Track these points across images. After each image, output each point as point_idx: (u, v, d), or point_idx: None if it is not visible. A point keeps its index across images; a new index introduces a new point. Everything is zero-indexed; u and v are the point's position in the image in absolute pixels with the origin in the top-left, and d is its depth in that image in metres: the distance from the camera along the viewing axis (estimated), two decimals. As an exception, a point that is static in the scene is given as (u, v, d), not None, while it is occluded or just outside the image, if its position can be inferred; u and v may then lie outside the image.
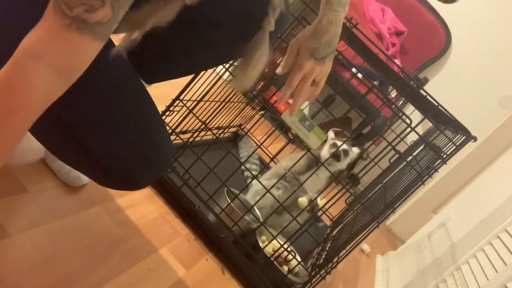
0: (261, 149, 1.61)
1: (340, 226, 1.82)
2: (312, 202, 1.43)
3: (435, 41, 3.23)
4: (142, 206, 1.17)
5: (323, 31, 0.93)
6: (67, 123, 0.74)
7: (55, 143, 0.80)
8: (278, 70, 0.98)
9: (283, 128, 2.91)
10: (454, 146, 1.14)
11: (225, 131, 1.90)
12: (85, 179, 1.05)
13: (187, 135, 1.39)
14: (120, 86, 0.77)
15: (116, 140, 0.77)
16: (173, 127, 1.40)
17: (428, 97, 1.27)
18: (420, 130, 1.75)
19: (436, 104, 1.17)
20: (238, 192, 1.32)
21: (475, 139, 1.10)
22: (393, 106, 1.27)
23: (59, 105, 0.61)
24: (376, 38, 3.03)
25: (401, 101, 2.89)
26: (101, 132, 0.75)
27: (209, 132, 1.37)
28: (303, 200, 1.46)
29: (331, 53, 0.96)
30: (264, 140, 1.36)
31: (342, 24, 0.96)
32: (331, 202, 1.27)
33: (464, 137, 1.12)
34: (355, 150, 1.62)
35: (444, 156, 1.15)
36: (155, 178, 0.86)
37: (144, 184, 0.84)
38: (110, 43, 0.65)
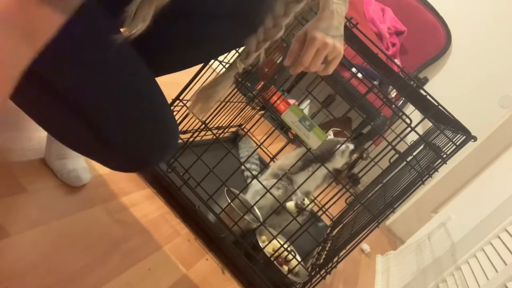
0: (261, 149, 1.61)
1: (340, 226, 1.82)
2: (298, 205, 1.43)
3: (435, 41, 3.23)
4: (142, 206, 1.17)
5: (328, 18, 0.93)
6: (74, 102, 0.73)
7: (62, 126, 0.80)
8: (286, 61, 0.97)
9: (283, 128, 2.91)
10: (454, 146, 1.14)
11: (225, 131, 1.90)
12: (85, 179, 1.05)
13: (187, 135, 1.39)
14: (127, 63, 0.77)
15: (124, 117, 0.76)
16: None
17: (428, 97, 1.28)
18: (420, 130, 1.75)
19: (436, 104, 1.17)
20: (238, 192, 1.32)
21: (475, 139, 1.10)
22: (393, 106, 1.27)
23: (66, 84, 0.61)
24: (376, 38, 3.03)
25: (401, 101, 2.89)
26: (109, 109, 0.74)
27: (209, 132, 1.37)
28: (290, 205, 1.46)
29: (340, 37, 0.96)
30: (264, 140, 1.36)
31: (344, 17, 0.96)
32: (331, 202, 1.27)
33: (464, 137, 1.12)
34: (350, 146, 1.62)
35: (444, 156, 1.15)
36: (163, 156, 0.85)
37: (153, 161, 0.83)
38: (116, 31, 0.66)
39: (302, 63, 0.93)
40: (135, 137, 0.78)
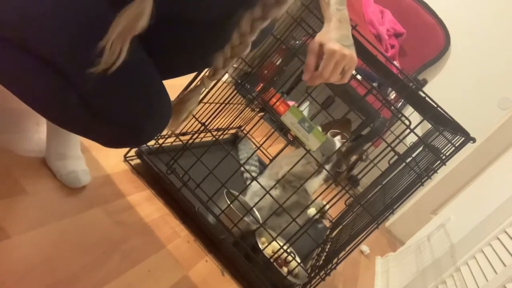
0: (261, 150, 1.61)
1: (339, 228, 1.82)
2: (322, 208, 1.43)
3: (434, 43, 3.23)
4: (142, 207, 1.17)
5: (338, 28, 0.95)
6: (63, 73, 0.75)
7: (50, 99, 0.81)
8: (304, 76, 0.98)
9: (283, 129, 2.91)
10: (453, 148, 1.14)
11: (225, 132, 1.90)
12: (84, 180, 1.05)
13: (187, 137, 1.39)
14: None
15: (115, 86, 0.77)
16: (172, 129, 1.40)
17: (427, 98, 1.28)
18: (419, 131, 1.75)
19: (435, 106, 1.17)
20: (237, 193, 1.32)
21: (474, 140, 1.10)
22: (392, 107, 1.28)
23: (56, 53, 0.61)
24: (375, 39, 3.03)
25: (400, 103, 2.90)
26: (105, 85, 0.75)
27: (208, 134, 1.38)
28: (311, 212, 1.47)
29: (352, 45, 0.97)
30: (264, 142, 1.36)
31: (349, 22, 0.97)
32: (330, 204, 1.28)
33: (463, 138, 1.13)
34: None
35: (443, 157, 1.16)
36: (155, 129, 0.86)
37: (145, 133, 0.84)
38: None
39: (323, 76, 0.95)
40: (127, 107, 0.79)
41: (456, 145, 1.11)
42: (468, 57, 3.21)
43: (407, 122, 1.21)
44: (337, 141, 1.79)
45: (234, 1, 0.84)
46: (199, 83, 0.90)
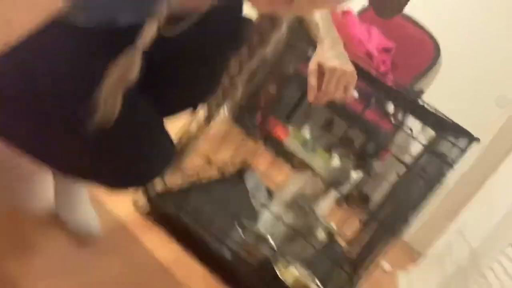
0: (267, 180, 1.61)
1: (356, 246, 1.80)
2: (330, 233, 1.42)
3: (424, 53, 3.27)
4: (157, 250, 1.16)
5: (332, 47, 0.97)
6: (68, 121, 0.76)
7: (59, 152, 0.81)
8: (309, 98, 1.00)
9: (287, 156, 2.91)
10: (459, 151, 1.14)
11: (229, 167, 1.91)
12: (95, 229, 1.05)
13: (193, 176, 1.40)
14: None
15: (121, 136, 0.78)
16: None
17: (425, 106, 1.29)
18: (423, 141, 1.76)
19: (434, 111, 1.18)
20: (249, 222, 1.32)
21: (478, 140, 1.10)
22: (392, 119, 1.28)
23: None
24: (366, 58, 3.07)
25: (399, 115, 2.90)
26: (105, 132, 0.74)
27: (213, 168, 1.38)
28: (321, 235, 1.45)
29: (349, 62, 1.00)
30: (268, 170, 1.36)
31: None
32: (343, 223, 1.27)
33: (467, 140, 1.13)
34: (355, 175, 1.59)
35: (450, 161, 1.16)
36: (162, 169, 0.87)
37: (151, 174, 0.86)
38: None
39: (327, 94, 0.97)
40: (129, 150, 0.80)
41: (461, 147, 1.11)
42: (459, 62, 3.24)
43: (409, 131, 1.22)
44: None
45: (222, 43, 0.86)
46: (196, 128, 0.91)
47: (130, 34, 0.72)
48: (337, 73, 0.95)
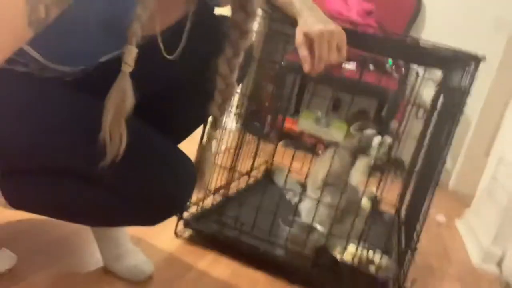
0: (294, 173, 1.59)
1: (403, 207, 1.76)
2: (375, 198, 1.39)
3: (405, 4, 3.25)
4: (211, 270, 1.16)
5: (311, 15, 0.98)
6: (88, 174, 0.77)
7: (83, 203, 0.83)
8: (305, 68, 0.98)
9: (306, 148, 2.89)
10: (470, 76, 1.11)
11: (254, 173, 1.90)
12: (148, 269, 1.04)
13: (224, 191, 1.39)
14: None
15: (138, 169, 0.79)
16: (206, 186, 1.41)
17: (423, 46, 1.25)
18: (433, 83, 1.72)
19: (432, 48, 1.15)
20: (293, 218, 1.30)
21: (484, 59, 1.07)
22: (396, 74, 1.26)
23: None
24: (351, 27, 3.05)
25: (402, 69, 2.86)
26: (121, 169, 0.75)
27: (241, 181, 1.37)
28: (364, 203, 1.43)
29: (332, 22, 0.99)
30: (291, 164, 1.35)
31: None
32: (382, 188, 1.23)
33: (474, 63, 1.10)
34: (388, 139, 1.54)
35: (465, 90, 1.12)
36: (188, 190, 0.87)
37: (180, 198, 0.85)
38: None
39: (322, 59, 0.96)
40: (152, 181, 0.80)
41: (471, 72, 1.08)
42: (441, 5, 3.22)
43: (415, 77, 1.19)
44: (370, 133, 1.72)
45: (207, 53, 0.87)
46: (207, 139, 0.91)
47: (111, 65, 0.73)
48: (325, 35, 0.93)
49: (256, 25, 0.88)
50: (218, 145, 1.37)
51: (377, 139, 1.46)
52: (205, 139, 0.91)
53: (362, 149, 1.40)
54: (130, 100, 0.69)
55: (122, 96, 0.68)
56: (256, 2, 0.84)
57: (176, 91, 0.95)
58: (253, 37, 0.90)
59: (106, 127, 0.68)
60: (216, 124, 0.90)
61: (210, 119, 0.91)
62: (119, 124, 0.69)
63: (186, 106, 0.97)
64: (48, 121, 0.76)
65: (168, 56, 0.83)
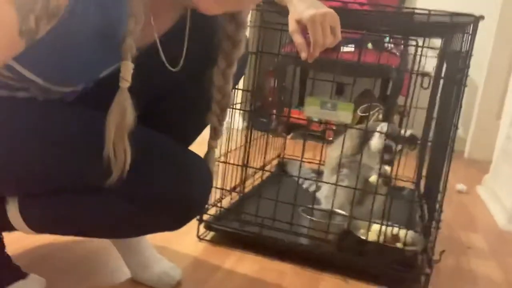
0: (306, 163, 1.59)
1: (421, 180, 1.75)
2: (387, 177, 1.38)
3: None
4: (239, 268, 1.16)
5: (302, 1, 0.96)
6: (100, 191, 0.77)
7: (107, 217, 0.83)
8: (303, 56, 0.98)
9: (316, 137, 2.88)
10: (470, 37, 1.10)
11: (267, 167, 1.90)
12: (177, 275, 1.05)
13: (239, 189, 1.39)
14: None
15: (153, 175, 0.79)
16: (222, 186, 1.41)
17: (419, 14, 1.23)
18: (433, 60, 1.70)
19: (428, 14, 1.13)
20: (311, 206, 1.30)
21: (482, 18, 1.06)
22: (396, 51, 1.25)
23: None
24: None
25: (401, 45, 2.83)
26: (135, 177, 0.75)
27: (256, 177, 1.37)
28: (373, 179, 1.41)
29: (324, 6, 0.99)
30: (303, 154, 1.34)
31: None
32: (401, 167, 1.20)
33: (473, 22, 1.08)
34: (384, 128, 1.50)
35: (466, 53, 1.11)
36: (207, 189, 0.87)
37: (200, 198, 0.84)
38: None
39: (318, 43, 0.95)
40: (168, 184, 0.80)
41: (470, 32, 1.07)
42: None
43: (414, 50, 1.18)
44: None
45: (200, 65, 0.86)
46: (208, 149, 0.91)
47: (111, 78, 0.73)
48: (317, 19, 0.93)
49: (249, 18, 0.87)
50: (227, 146, 1.38)
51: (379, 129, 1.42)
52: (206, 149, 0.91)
53: (371, 128, 1.39)
54: (131, 115, 0.69)
55: (123, 111, 0.68)
56: (245, 11, 0.84)
57: (177, 97, 0.95)
58: (247, 39, 0.90)
59: (109, 144, 0.69)
60: (215, 134, 0.91)
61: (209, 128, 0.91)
62: (122, 139, 0.69)
63: (188, 111, 0.97)
64: (55, 142, 0.77)
65: (172, 69, 0.83)
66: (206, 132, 0.95)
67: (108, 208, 0.82)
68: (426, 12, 1.13)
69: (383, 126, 1.41)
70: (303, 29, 0.96)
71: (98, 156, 0.70)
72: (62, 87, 0.77)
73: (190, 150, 0.88)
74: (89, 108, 0.78)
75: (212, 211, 1.34)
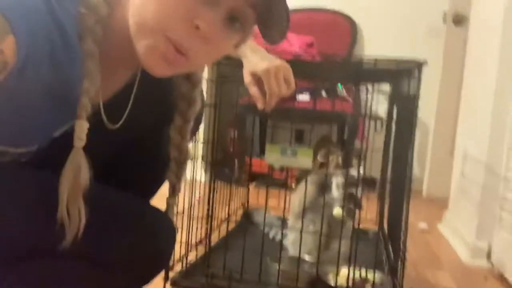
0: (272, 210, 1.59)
1: (384, 220, 1.78)
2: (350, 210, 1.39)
3: (341, 30, 3.41)
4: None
5: (255, 54, 1.01)
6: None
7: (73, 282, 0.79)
8: (260, 105, 1.00)
9: (279, 184, 2.89)
10: (416, 81, 1.17)
11: (231, 218, 1.88)
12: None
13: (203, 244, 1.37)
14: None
15: (112, 233, 0.77)
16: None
17: (366, 64, 1.30)
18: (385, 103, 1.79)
19: (374, 62, 1.20)
20: (279, 254, 1.29)
21: (425, 63, 1.13)
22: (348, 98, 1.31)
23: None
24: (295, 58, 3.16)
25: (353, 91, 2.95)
26: (92, 238, 0.72)
27: (222, 229, 1.36)
28: (337, 211, 1.42)
29: (275, 58, 1.03)
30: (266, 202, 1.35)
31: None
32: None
33: (417, 68, 1.15)
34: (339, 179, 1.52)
35: (414, 96, 1.17)
36: (170, 243, 0.87)
37: (165, 252, 0.85)
38: None
39: (273, 93, 0.98)
40: (129, 242, 0.78)
41: (416, 77, 1.14)
42: (375, 24, 3.39)
43: (365, 95, 1.23)
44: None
45: (157, 122, 0.87)
46: (166, 206, 0.89)
47: (64, 138, 0.72)
48: (271, 72, 0.97)
49: (205, 72, 0.89)
50: (190, 198, 1.36)
51: (335, 181, 1.45)
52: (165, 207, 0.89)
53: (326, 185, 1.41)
54: (85, 174, 0.67)
55: (77, 171, 0.66)
56: (199, 71, 0.84)
57: (126, 156, 0.93)
58: (202, 94, 0.91)
59: (62, 205, 0.66)
60: (174, 191, 0.88)
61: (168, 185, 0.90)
62: (76, 200, 0.67)
63: (139, 169, 0.95)
64: (7, 206, 0.73)
65: (111, 126, 0.81)
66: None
67: (70, 271, 0.78)
68: (373, 60, 1.19)
69: (338, 177, 1.43)
70: (258, 80, 0.99)
71: (52, 218, 0.67)
72: (16, 149, 0.75)
73: (150, 205, 0.87)
74: (43, 168, 0.76)
75: (178, 267, 1.30)
